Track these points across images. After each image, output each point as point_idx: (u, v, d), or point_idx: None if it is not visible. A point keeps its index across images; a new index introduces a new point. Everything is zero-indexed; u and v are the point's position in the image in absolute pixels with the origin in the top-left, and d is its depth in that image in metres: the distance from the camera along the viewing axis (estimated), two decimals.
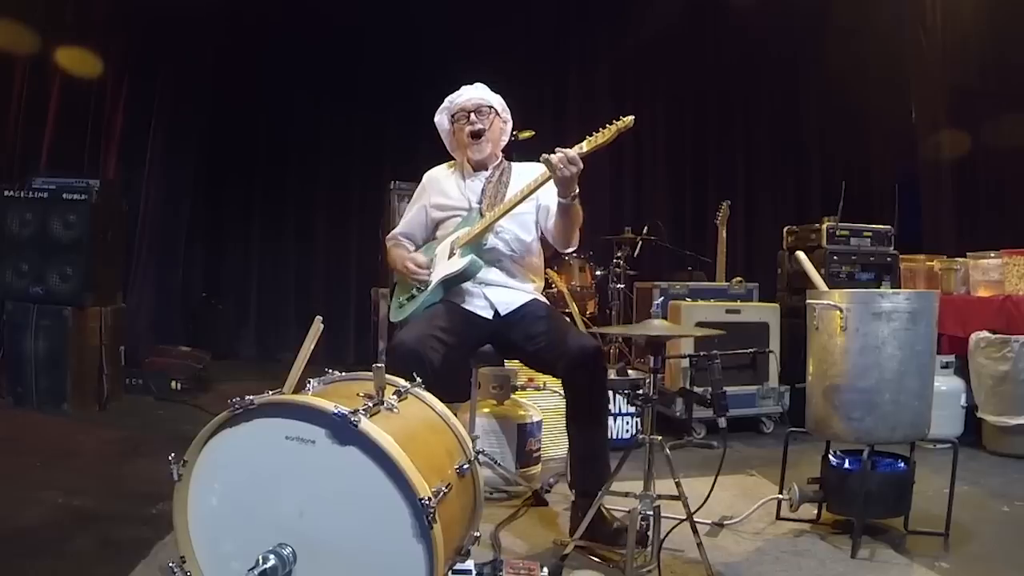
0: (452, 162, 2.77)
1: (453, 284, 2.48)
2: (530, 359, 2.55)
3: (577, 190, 2.31)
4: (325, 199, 6.45)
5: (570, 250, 2.65)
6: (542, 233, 2.61)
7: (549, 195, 2.44)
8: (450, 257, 2.50)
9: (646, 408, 2.10)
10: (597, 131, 2.22)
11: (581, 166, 2.22)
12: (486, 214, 2.48)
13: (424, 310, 2.45)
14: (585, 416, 2.37)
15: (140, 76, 5.24)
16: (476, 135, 2.59)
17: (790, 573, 2.18)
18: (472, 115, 2.59)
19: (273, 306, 6.44)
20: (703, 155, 6.66)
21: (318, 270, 6.48)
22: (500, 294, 2.51)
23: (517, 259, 2.57)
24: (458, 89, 2.67)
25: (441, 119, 2.69)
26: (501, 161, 2.68)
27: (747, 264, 6.18)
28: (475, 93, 2.64)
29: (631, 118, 2.20)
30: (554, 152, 2.21)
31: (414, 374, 1.91)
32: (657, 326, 2.11)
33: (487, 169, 2.64)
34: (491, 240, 2.50)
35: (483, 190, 2.57)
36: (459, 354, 2.42)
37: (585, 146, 2.22)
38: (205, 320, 6.09)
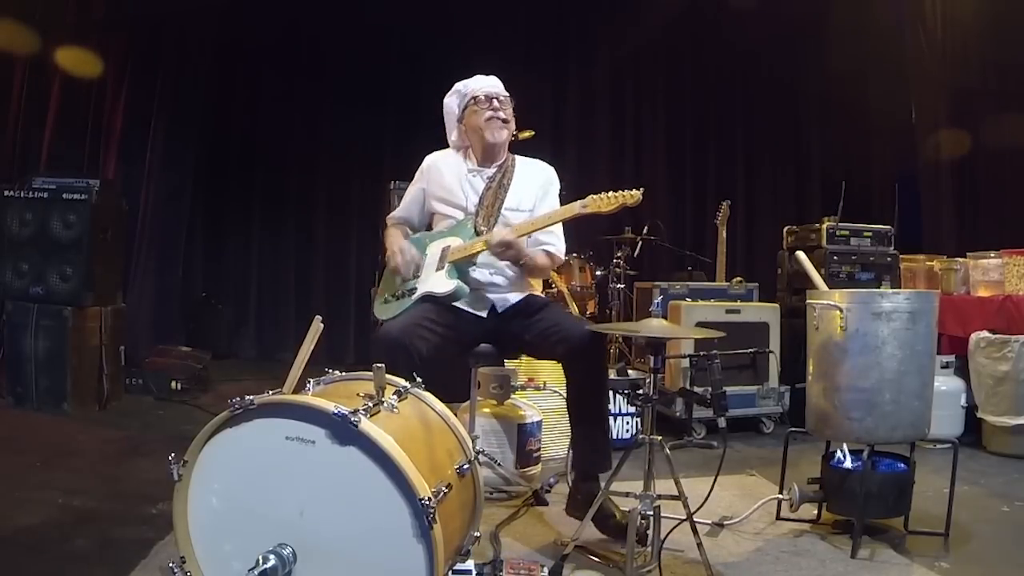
0: (453, 148, 2.70)
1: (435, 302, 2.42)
2: (529, 347, 2.54)
3: (524, 258, 2.43)
4: (325, 199, 6.43)
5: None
6: None
7: (544, 208, 2.50)
8: (438, 268, 2.44)
9: (646, 408, 2.10)
10: (605, 194, 2.27)
11: (516, 248, 2.36)
12: (481, 230, 2.44)
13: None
14: (585, 400, 2.38)
15: (140, 76, 5.24)
16: (502, 120, 2.57)
17: (790, 573, 2.18)
18: (495, 101, 2.57)
19: (273, 306, 6.43)
20: (703, 155, 6.65)
21: (318, 270, 6.46)
22: (497, 294, 2.50)
23: (513, 268, 2.53)
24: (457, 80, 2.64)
25: (451, 102, 2.65)
26: (506, 159, 2.62)
27: (747, 264, 6.17)
28: (495, 82, 2.63)
29: (639, 195, 2.25)
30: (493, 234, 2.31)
31: (414, 374, 1.91)
32: (656, 326, 2.11)
33: (491, 165, 2.60)
34: (485, 255, 2.45)
35: (481, 198, 2.53)
36: (454, 348, 2.40)
37: (590, 205, 2.28)
38: (205, 320, 6.08)
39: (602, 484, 2.21)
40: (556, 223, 2.45)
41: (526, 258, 2.44)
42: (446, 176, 2.62)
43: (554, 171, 2.66)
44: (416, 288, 2.44)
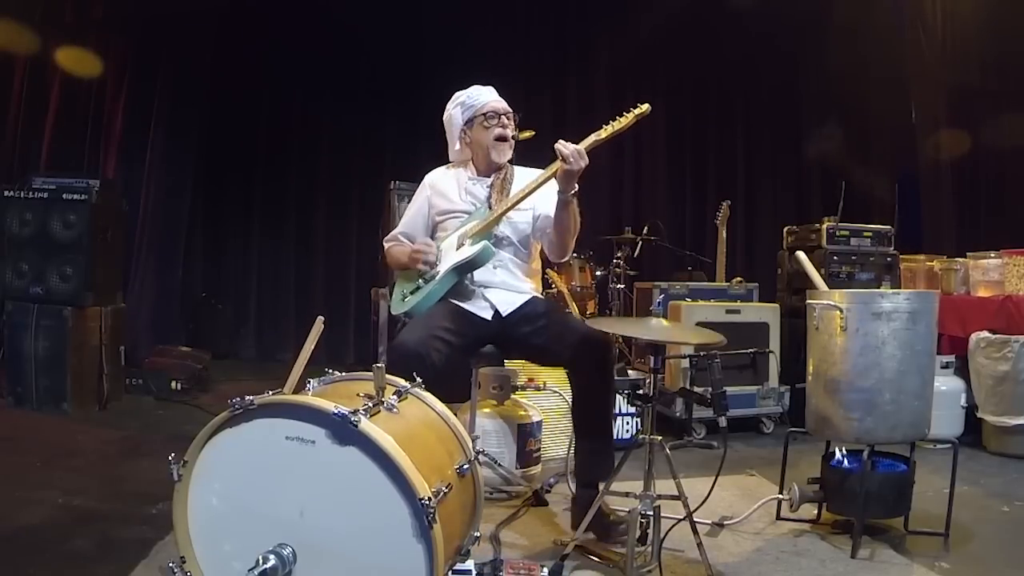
0: (451, 164, 2.74)
1: (465, 271, 2.46)
2: (535, 353, 2.55)
3: (576, 188, 2.35)
4: (325, 199, 6.44)
5: (564, 259, 2.69)
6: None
7: (546, 204, 2.47)
8: (459, 248, 2.48)
9: (646, 408, 2.10)
10: (614, 119, 2.32)
11: (587, 162, 2.29)
12: (495, 207, 2.47)
13: (425, 310, 2.43)
14: (591, 406, 2.36)
15: (140, 76, 5.24)
16: (509, 139, 2.60)
17: (790, 573, 2.18)
18: (503, 118, 2.59)
19: (273, 306, 6.44)
20: (703, 155, 6.65)
21: (318, 270, 6.47)
22: (500, 295, 2.50)
23: (517, 264, 2.57)
24: (464, 88, 2.64)
25: (455, 114, 2.64)
26: (504, 169, 2.65)
27: (747, 264, 6.17)
28: (497, 97, 2.63)
29: (647, 106, 2.31)
30: (565, 143, 2.27)
31: (414, 374, 1.90)
32: (655, 326, 2.11)
33: (490, 176, 2.63)
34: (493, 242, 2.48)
35: (488, 195, 2.57)
36: (462, 354, 2.41)
37: (604, 131, 2.32)
38: (205, 320, 6.09)
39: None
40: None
41: (575, 192, 2.37)
42: (447, 189, 2.66)
43: None
44: (437, 274, 2.46)
